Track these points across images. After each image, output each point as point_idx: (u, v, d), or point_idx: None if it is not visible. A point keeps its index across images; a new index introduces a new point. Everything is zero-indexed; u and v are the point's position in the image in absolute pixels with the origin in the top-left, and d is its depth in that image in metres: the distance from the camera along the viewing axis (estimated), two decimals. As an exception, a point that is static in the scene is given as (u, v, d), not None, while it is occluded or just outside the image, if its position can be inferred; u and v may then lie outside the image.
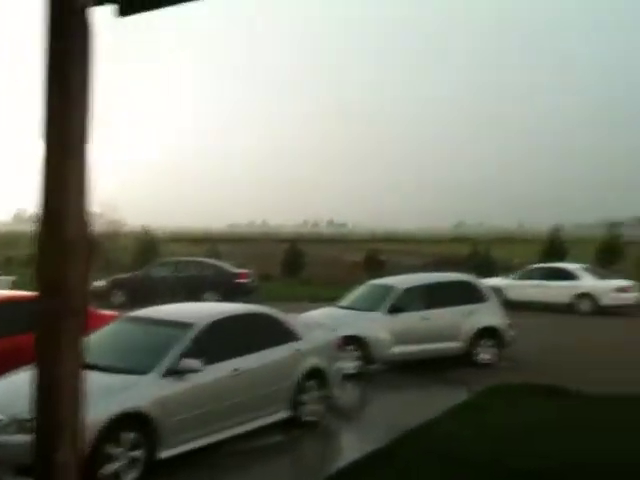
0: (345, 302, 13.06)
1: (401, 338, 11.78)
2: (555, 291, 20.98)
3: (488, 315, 12.59)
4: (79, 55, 2.76)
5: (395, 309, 11.96)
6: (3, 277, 15.76)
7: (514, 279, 22.13)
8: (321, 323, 10.45)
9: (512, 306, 18.21)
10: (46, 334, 2.97)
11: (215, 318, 7.79)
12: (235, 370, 7.46)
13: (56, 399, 2.95)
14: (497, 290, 19.25)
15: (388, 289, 12.49)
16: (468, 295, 12.69)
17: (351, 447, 7.82)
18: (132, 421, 6.31)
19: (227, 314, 8.10)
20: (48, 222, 2.96)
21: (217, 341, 7.57)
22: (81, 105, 2.80)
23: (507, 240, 58.45)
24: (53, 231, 2.94)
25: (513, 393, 9.89)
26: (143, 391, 6.57)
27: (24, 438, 5.72)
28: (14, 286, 14.28)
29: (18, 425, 5.91)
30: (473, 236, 61.28)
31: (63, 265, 2.92)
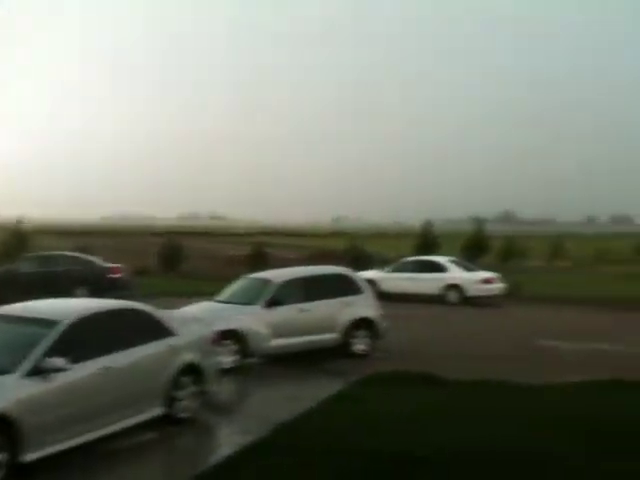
0: (223, 296, 12.95)
1: (279, 331, 11.86)
2: (425, 283, 21.95)
3: (363, 307, 12.94)
4: None
5: (272, 302, 12.01)
6: None
7: (388, 272, 22.90)
8: (197, 318, 10.30)
9: (386, 297, 18.83)
10: None
11: (82, 314, 7.47)
12: (105, 368, 7.20)
13: None
14: (372, 282, 19.87)
15: (265, 282, 12.52)
16: (344, 287, 12.97)
17: (227, 442, 7.77)
18: (-8, 425, 5.94)
19: (95, 310, 7.79)
20: None
21: (85, 338, 7.26)
22: None
23: (383, 235, 60.38)
24: None
25: (387, 382, 10.24)
26: (5, 392, 6.22)
27: None
28: None
29: None
30: (351, 231, 62.78)
31: None
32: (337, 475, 6.33)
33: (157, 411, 7.88)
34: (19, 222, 32.75)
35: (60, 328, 7.03)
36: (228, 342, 11.10)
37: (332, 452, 6.88)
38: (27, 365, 6.51)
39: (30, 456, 6.29)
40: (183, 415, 8.21)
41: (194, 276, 28.26)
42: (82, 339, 7.18)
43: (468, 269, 22.70)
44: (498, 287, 22.03)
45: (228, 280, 14.23)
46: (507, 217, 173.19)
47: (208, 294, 13.88)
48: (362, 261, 28.41)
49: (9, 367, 6.47)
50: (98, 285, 19.38)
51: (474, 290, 21.57)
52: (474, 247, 34.60)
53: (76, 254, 23.16)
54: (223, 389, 9.93)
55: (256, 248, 32.61)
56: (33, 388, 6.42)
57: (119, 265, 21.73)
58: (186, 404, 8.26)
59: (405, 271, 22.62)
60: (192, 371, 8.39)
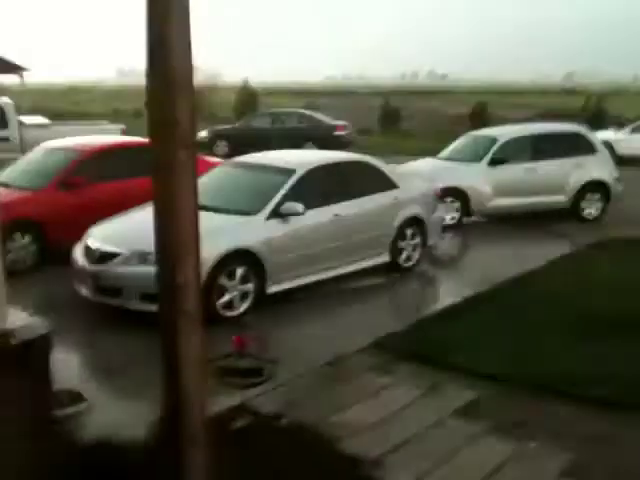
0: (446, 154, 12.82)
1: (502, 190, 11.56)
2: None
3: (596, 168, 12.06)
4: None
5: (497, 160, 11.65)
6: (113, 125, 16.49)
7: (627, 133, 20.84)
8: (421, 174, 10.39)
9: (623, 161, 17.32)
10: (160, 168, 3.11)
11: (316, 165, 7.90)
12: (336, 215, 7.65)
13: (175, 227, 3.14)
14: (608, 144, 18.26)
15: (491, 140, 12.11)
16: (576, 147, 12.12)
17: (451, 292, 7.99)
18: (242, 258, 6.71)
19: (327, 161, 8.19)
20: (155, 56, 3.01)
21: (318, 187, 7.73)
22: None
23: (622, 92, 54.42)
24: (160, 65, 2.99)
25: (619, 247, 9.67)
26: (251, 231, 6.92)
27: (145, 269, 6.23)
28: (124, 134, 14.92)
29: (139, 257, 6.42)
30: (584, 88, 57.39)
31: (171, 100, 2.99)
32: (555, 329, 6.28)
33: (383, 258, 8.29)
34: (246, 83, 34.77)
35: (297, 176, 7.52)
36: (450, 199, 11.12)
37: (553, 308, 6.80)
38: (269, 208, 7.14)
39: (272, 289, 7.04)
40: (407, 265, 8.56)
41: (415, 135, 28.18)
42: (315, 188, 7.65)
43: None
44: None
45: (449, 139, 13.99)
46: None
47: (430, 153, 13.82)
48: (598, 121, 26.10)
49: (253, 210, 7.14)
50: (325, 141, 20.20)
51: None
52: None
53: (304, 111, 24.20)
54: (445, 244, 10.11)
55: (479, 107, 31.38)
56: (274, 229, 7.06)
57: (344, 123, 22.33)
58: (410, 254, 8.58)
59: (647, 132, 20.41)
60: (415, 223, 8.61)
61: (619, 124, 24.26)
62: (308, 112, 24.05)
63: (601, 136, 18.30)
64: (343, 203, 7.80)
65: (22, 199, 8.43)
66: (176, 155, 3.05)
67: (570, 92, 56.69)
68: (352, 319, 6.91)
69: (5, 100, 15.00)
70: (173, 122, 3.01)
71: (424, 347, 5.88)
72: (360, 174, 8.35)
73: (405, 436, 4.44)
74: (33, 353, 2.80)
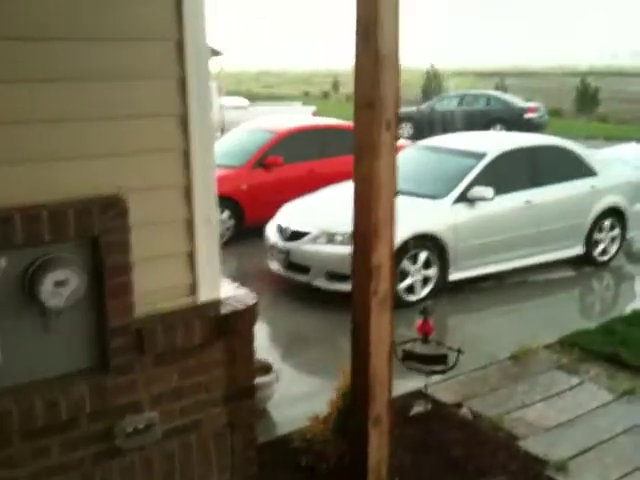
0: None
1: None
2: None
3: None
4: None
5: None
6: (306, 107, 17.10)
7: None
8: (624, 160, 9.60)
9: None
10: (364, 149, 3.14)
11: (507, 148, 7.60)
12: (527, 202, 7.31)
13: (374, 209, 3.15)
14: None
15: None
16: None
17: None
18: (426, 242, 6.66)
19: (519, 145, 7.83)
20: (364, 37, 3.03)
21: (509, 172, 7.44)
22: None
23: None
24: (368, 46, 3.01)
25: None
26: (436, 215, 6.83)
27: (332, 248, 6.40)
28: (314, 115, 15.42)
29: (327, 237, 6.61)
30: None
31: (378, 79, 3.00)
32: None
33: (576, 251, 7.80)
34: (432, 66, 34.45)
35: (487, 160, 7.28)
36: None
37: None
38: (456, 192, 6.98)
39: (454, 276, 6.90)
40: (602, 259, 7.99)
41: (612, 120, 26.12)
42: (506, 172, 7.36)
43: None
44: None
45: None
46: None
47: (629, 139, 12.72)
48: None
49: (440, 193, 7.03)
50: (514, 124, 19.40)
51: None
52: None
53: (493, 92, 23.40)
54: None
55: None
56: (460, 214, 6.90)
57: (535, 105, 21.27)
58: (606, 247, 8.00)
59: None
60: (614, 214, 7.99)
61: None
62: (497, 93, 23.21)
63: None
64: (535, 190, 7.44)
65: (222, 177, 9.02)
66: (380, 136, 3.06)
67: None
68: (539, 313, 6.60)
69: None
70: (379, 103, 3.02)
71: (618, 349, 5.46)
72: (554, 159, 7.89)
73: (593, 442, 4.17)
74: (241, 323, 2.98)
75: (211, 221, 3.01)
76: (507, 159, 7.45)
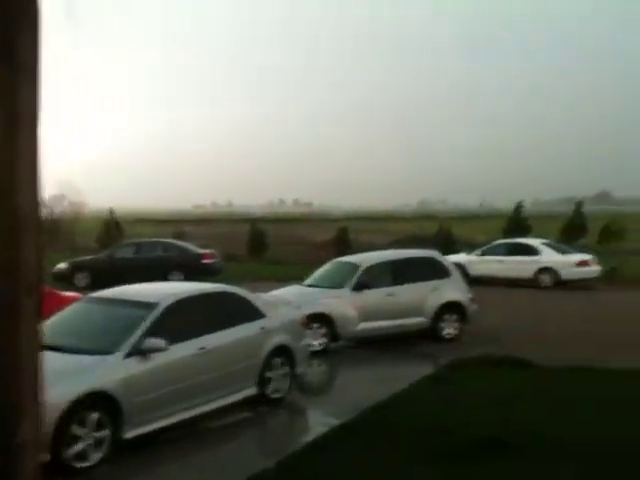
0: (311, 280, 13.09)
1: (366, 315, 11.88)
2: (518, 266, 21.35)
3: (452, 290, 12.76)
4: (27, 24, 2.67)
5: (360, 286, 12.04)
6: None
7: (477, 255, 22.44)
8: (287, 301, 10.47)
9: (475, 282, 18.49)
10: (1, 314, 2.90)
11: (179, 297, 7.74)
12: (201, 348, 7.44)
13: (14, 380, 2.90)
14: (460, 266, 19.49)
15: (353, 266, 12.56)
16: (432, 271, 12.83)
17: (318, 422, 7.87)
18: (97, 401, 6.26)
19: (191, 293, 8.06)
20: None
21: (182, 320, 7.53)
22: (31, 77, 2.72)
23: (469, 218, 59.13)
24: (4, 206, 2.87)
25: (476, 365, 10.06)
26: (107, 371, 6.52)
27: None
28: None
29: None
30: (437, 214, 61.85)
31: (16, 242, 2.86)
32: (424, 457, 6.29)
33: (250, 391, 8.08)
34: (111, 212, 34.30)
35: (158, 310, 7.30)
36: (316, 325, 11.23)
37: (421, 433, 6.84)
38: (128, 346, 6.80)
39: (130, 433, 6.56)
40: (275, 396, 8.39)
41: (282, 261, 28.69)
42: (180, 320, 7.45)
43: (562, 251, 21.90)
44: (594, 270, 21.15)
45: (315, 265, 14.37)
46: (602, 198, 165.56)
47: (296, 278, 14.06)
48: (450, 245, 27.97)
49: (111, 347, 6.78)
50: (192, 270, 20.03)
51: (568, 273, 20.81)
52: (570, 229, 33.23)
53: (170, 240, 24.03)
54: (313, 371, 10.07)
55: (341, 233, 32.70)
56: (133, 368, 6.70)
57: (211, 251, 22.35)
58: (278, 385, 8.43)
59: (496, 254, 22.06)
60: (283, 353, 8.54)
61: (470, 247, 26.13)
62: (174, 241, 23.91)
63: (454, 259, 19.62)
64: (209, 335, 7.63)
65: None
66: (18, 303, 2.86)
67: (423, 218, 60.77)
68: (220, 459, 6.58)
69: None
70: (17, 267, 2.85)
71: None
72: (226, 304, 8.27)
73: None
74: None
75: None
76: (179, 308, 7.57)
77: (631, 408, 7.77)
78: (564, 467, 5.95)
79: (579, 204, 35.18)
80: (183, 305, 7.66)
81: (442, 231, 32.02)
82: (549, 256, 21.27)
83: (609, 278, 21.50)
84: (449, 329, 12.57)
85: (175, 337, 7.18)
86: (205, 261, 21.34)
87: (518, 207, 34.22)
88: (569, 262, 21.01)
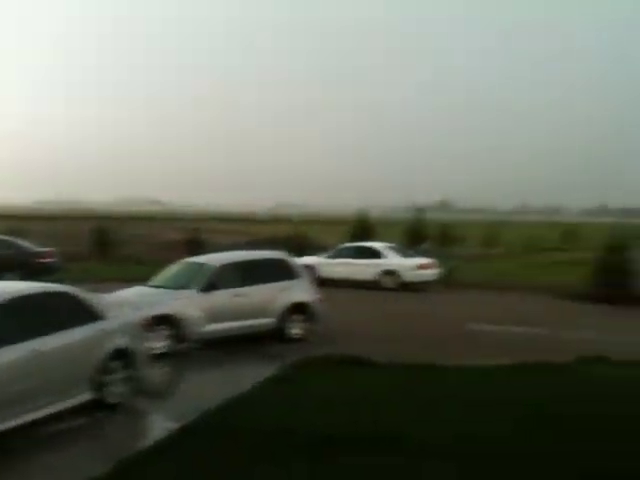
0: (157, 281, 12.75)
1: (214, 316, 11.77)
2: (362, 268, 22.14)
3: (299, 291, 12.97)
4: None
5: (208, 287, 11.90)
6: None
7: (327, 258, 22.99)
8: (128, 302, 10.13)
9: (326, 283, 18.97)
10: None
11: (10, 297, 7.23)
12: (33, 351, 6.99)
13: None
14: (311, 268, 19.92)
15: (201, 267, 12.40)
16: (280, 272, 12.97)
17: (157, 427, 7.68)
18: None
19: (24, 293, 7.55)
20: None
21: (13, 321, 7.05)
22: None
23: (323, 221, 60.51)
24: None
25: (320, 365, 10.31)
26: None
27: None
28: None
29: None
30: (291, 217, 62.73)
31: None
32: (266, 456, 6.34)
33: (86, 396, 7.71)
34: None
35: (-15, 312, 6.77)
36: (162, 327, 10.95)
37: (264, 434, 6.89)
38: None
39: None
40: (113, 400, 8.07)
41: (130, 261, 27.70)
42: (9, 322, 6.97)
43: (404, 255, 22.97)
44: (434, 273, 22.42)
45: (164, 265, 14.01)
46: (444, 206, 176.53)
47: (143, 279, 13.62)
48: (302, 247, 28.42)
49: None
50: (29, 269, 18.79)
51: (410, 276, 21.88)
52: (413, 234, 35.01)
53: (5, 237, 22.35)
54: (156, 374, 9.81)
55: (193, 233, 32.18)
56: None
57: (50, 249, 21.10)
58: (116, 389, 8.12)
59: (343, 257, 22.75)
60: (122, 356, 8.25)
61: (321, 249, 26.75)
62: (8, 238, 22.26)
63: (305, 261, 19.99)
64: (43, 338, 7.19)
65: None
66: None
67: (277, 220, 61.41)
68: (47, 467, 6.20)
69: None
70: None
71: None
72: (60, 306, 7.82)
73: None
74: None
75: None
76: (9, 309, 7.07)
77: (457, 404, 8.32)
78: (405, 460, 6.25)
79: (420, 211, 37.23)
80: (13, 306, 7.17)
81: (294, 233, 32.48)
82: (392, 259, 22.25)
83: (446, 281, 22.89)
84: (296, 329, 12.77)
85: (6, 339, 6.76)
86: (43, 260, 20.10)
87: (362, 212, 35.36)
88: (411, 265, 22.10)
